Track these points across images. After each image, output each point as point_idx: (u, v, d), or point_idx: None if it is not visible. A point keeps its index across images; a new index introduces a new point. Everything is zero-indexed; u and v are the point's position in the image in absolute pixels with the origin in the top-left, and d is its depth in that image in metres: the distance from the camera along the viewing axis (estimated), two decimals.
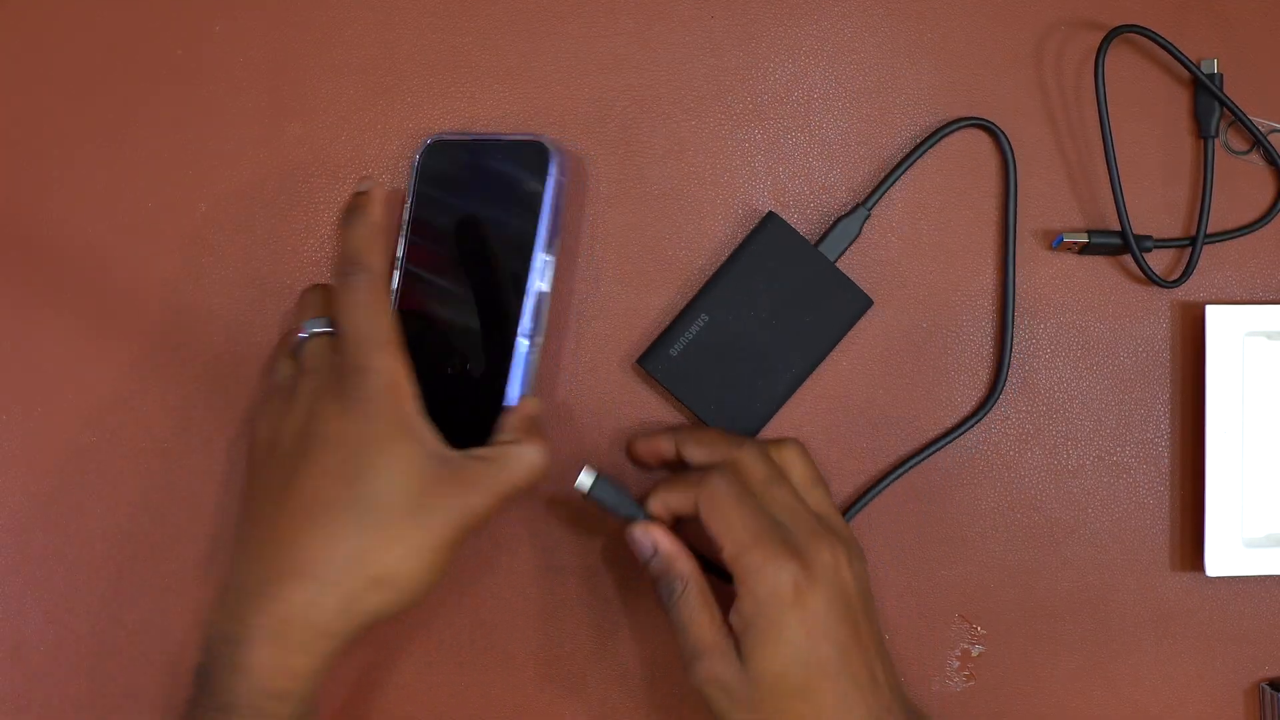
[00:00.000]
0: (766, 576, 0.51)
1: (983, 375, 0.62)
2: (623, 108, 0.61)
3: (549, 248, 0.56)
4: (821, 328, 0.60)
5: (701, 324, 0.59)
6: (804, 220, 0.61)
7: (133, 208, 0.61)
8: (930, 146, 0.61)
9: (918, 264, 0.62)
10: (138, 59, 0.61)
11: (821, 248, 0.60)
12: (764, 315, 0.59)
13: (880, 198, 0.61)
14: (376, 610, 0.50)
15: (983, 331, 0.62)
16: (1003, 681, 0.62)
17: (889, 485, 0.61)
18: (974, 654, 0.62)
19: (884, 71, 0.62)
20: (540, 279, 0.56)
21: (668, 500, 0.54)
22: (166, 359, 0.60)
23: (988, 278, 0.62)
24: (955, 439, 0.61)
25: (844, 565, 0.53)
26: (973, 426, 0.61)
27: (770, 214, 0.60)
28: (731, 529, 0.52)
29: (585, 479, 0.55)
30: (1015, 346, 0.61)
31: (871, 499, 0.61)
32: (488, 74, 0.61)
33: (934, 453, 0.61)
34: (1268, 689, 0.61)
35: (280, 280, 0.61)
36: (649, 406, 0.61)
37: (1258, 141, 0.61)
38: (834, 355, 0.61)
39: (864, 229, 0.60)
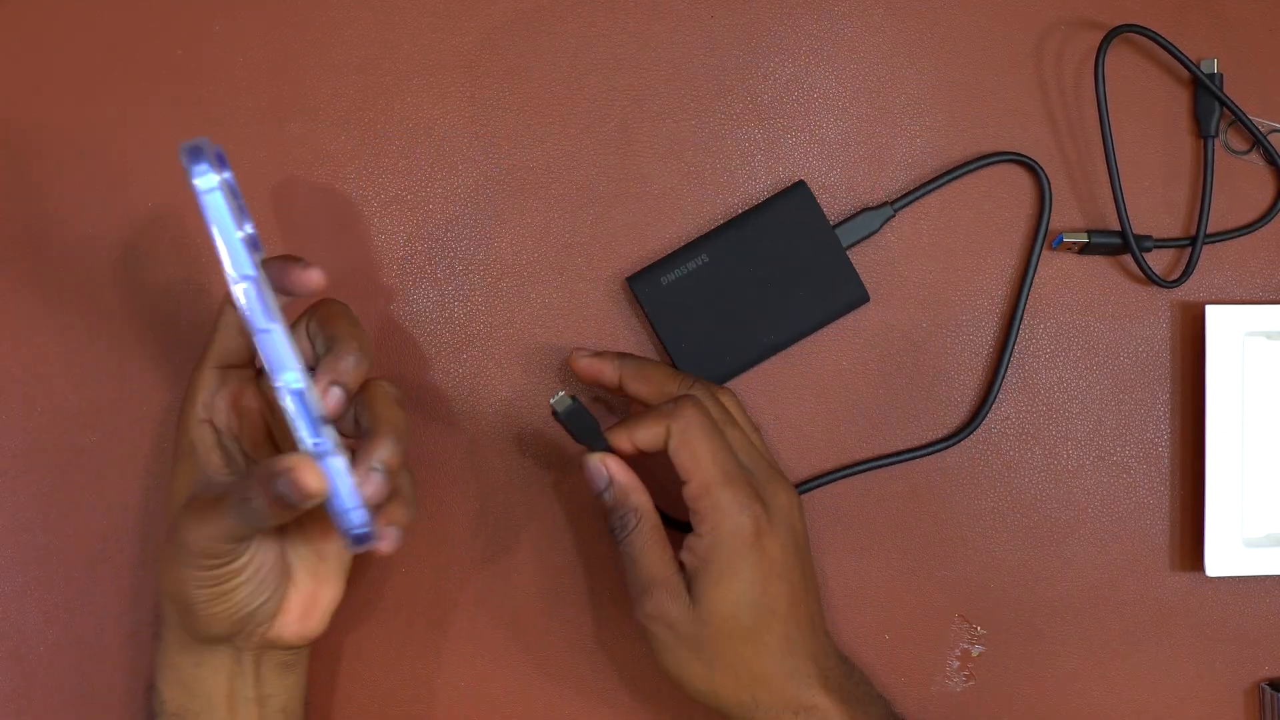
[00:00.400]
0: (731, 515, 0.51)
1: (980, 387, 0.62)
2: (622, 107, 0.61)
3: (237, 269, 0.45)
4: (812, 307, 0.60)
5: (700, 263, 0.59)
6: None
7: (133, 208, 0.61)
8: (970, 172, 0.61)
9: (925, 271, 0.62)
10: (138, 59, 0.61)
11: (838, 231, 0.60)
12: (761, 275, 0.59)
13: (910, 203, 0.61)
14: (176, 625, 0.52)
15: (983, 348, 0.62)
16: (1003, 681, 0.62)
17: (840, 479, 0.61)
18: (974, 654, 0.62)
19: (884, 71, 0.62)
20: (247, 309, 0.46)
21: (634, 434, 0.53)
22: (167, 360, 0.60)
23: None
24: (927, 455, 0.61)
25: (795, 510, 0.53)
26: (948, 448, 0.61)
27: (800, 182, 0.60)
28: (700, 463, 0.51)
29: (560, 401, 0.53)
30: (1015, 347, 0.61)
31: (825, 483, 0.61)
32: (487, 74, 0.61)
33: (897, 463, 0.61)
34: (1268, 689, 0.61)
35: None
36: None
37: (1258, 141, 0.61)
38: (834, 352, 0.61)
39: (883, 229, 0.61)
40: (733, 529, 0.51)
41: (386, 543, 0.48)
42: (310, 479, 0.45)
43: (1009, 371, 0.61)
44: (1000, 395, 0.61)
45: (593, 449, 0.54)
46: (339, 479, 0.46)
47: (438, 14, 0.61)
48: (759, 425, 0.59)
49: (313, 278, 0.48)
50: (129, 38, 0.61)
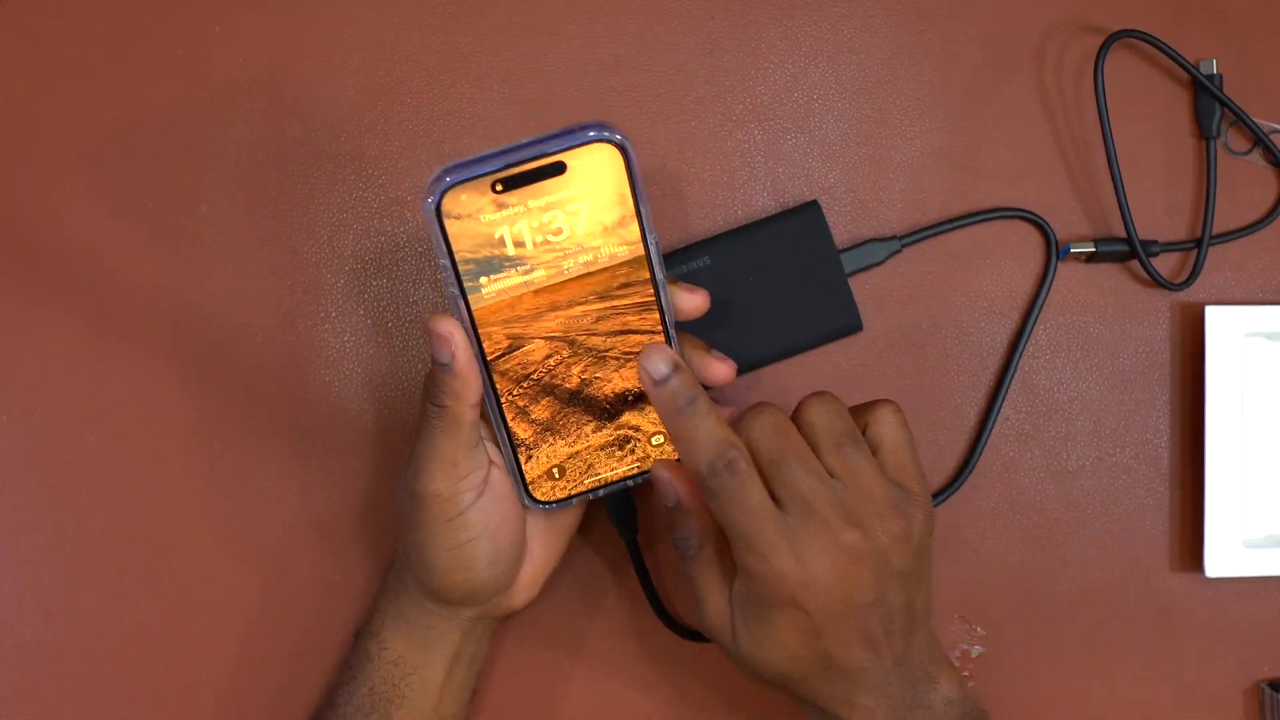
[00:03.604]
0: (756, 576, 0.48)
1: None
2: (623, 109, 0.61)
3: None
4: (805, 326, 0.60)
5: (701, 265, 0.59)
6: None
7: (133, 208, 0.61)
8: (979, 222, 0.61)
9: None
10: (138, 59, 0.61)
11: (843, 256, 0.60)
12: (760, 286, 0.59)
13: (918, 241, 0.61)
14: (416, 587, 0.55)
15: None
16: (1003, 682, 0.62)
17: None
18: (974, 655, 0.62)
19: (884, 73, 0.62)
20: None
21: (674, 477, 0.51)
22: (166, 359, 0.60)
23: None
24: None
25: (864, 562, 0.48)
26: (938, 505, 0.61)
27: (814, 202, 0.60)
28: (727, 523, 0.48)
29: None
30: (1000, 412, 0.62)
31: None
32: (488, 75, 0.61)
33: None
34: (1268, 689, 0.61)
35: (280, 281, 0.61)
36: None
37: (1259, 141, 0.61)
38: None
39: (886, 261, 0.61)
40: (760, 590, 0.48)
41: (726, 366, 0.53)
42: None
43: (1008, 373, 0.61)
44: (1000, 396, 0.61)
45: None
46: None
47: (438, 15, 0.61)
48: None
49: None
50: (129, 38, 0.61)
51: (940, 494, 0.61)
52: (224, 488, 0.60)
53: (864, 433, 0.51)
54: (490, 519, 0.51)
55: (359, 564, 0.61)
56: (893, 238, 0.61)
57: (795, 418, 0.50)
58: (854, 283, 0.60)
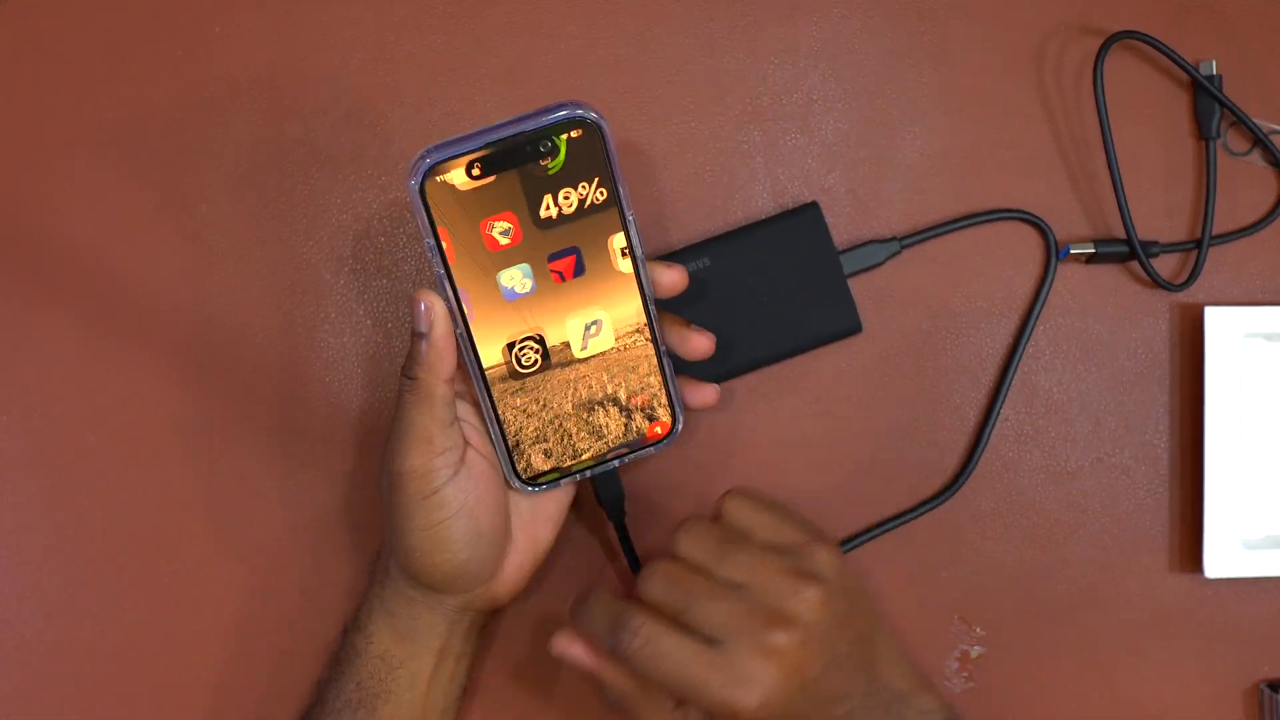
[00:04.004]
0: (719, 712, 0.48)
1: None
2: (623, 109, 0.61)
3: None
4: (805, 327, 0.60)
5: (701, 265, 0.59)
6: None
7: (133, 208, 0.61)
8: (978, 224, 0.61)
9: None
10: (138, 59, 0.61)
11: (843, 258, 0.60)
12: (760, 287, 0.59)
13: (918, 243, 0.61)
14: (400, 576, 0.56)
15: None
16: (1003, 683, 0.62)
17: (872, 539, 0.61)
18: (973, 655, 0.62)
19: (883, 74, 0.62)
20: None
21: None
22: (166, 359, 0.60)
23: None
24: (917, 516, 0.61)
25: (804, 645, 0.49)
26: (938, 505, 0.61)
27: (814, 203, 0.60)
28: (667, 682, 0.49)
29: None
30: (999, 415, 0.62)
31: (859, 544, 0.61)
32: (488, 76, 0.61)
33: (892, 528, 0.61)
34: (1267, 690, 0.61)
35: (279, 280, 0.61)
36: None
37: (1259, 142, 0.61)
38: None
39: (886, 263, 0.61)
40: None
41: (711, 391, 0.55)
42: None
43: (1008, 373, 0.61)
44: (1000, 397, 0.61)
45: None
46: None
47: (438, 16, 0.61)
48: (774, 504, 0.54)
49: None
50: (129, 38, 0.61)
51: (940, 494, 0.61)
52: (224, 488, 0.61)
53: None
54: (467, 498, 0.52)
55: (359, 563, 0.61)
56: (892, 239, 0.61)
57: (675, 557, 0.52)
58: (854, 284, 0.60)
